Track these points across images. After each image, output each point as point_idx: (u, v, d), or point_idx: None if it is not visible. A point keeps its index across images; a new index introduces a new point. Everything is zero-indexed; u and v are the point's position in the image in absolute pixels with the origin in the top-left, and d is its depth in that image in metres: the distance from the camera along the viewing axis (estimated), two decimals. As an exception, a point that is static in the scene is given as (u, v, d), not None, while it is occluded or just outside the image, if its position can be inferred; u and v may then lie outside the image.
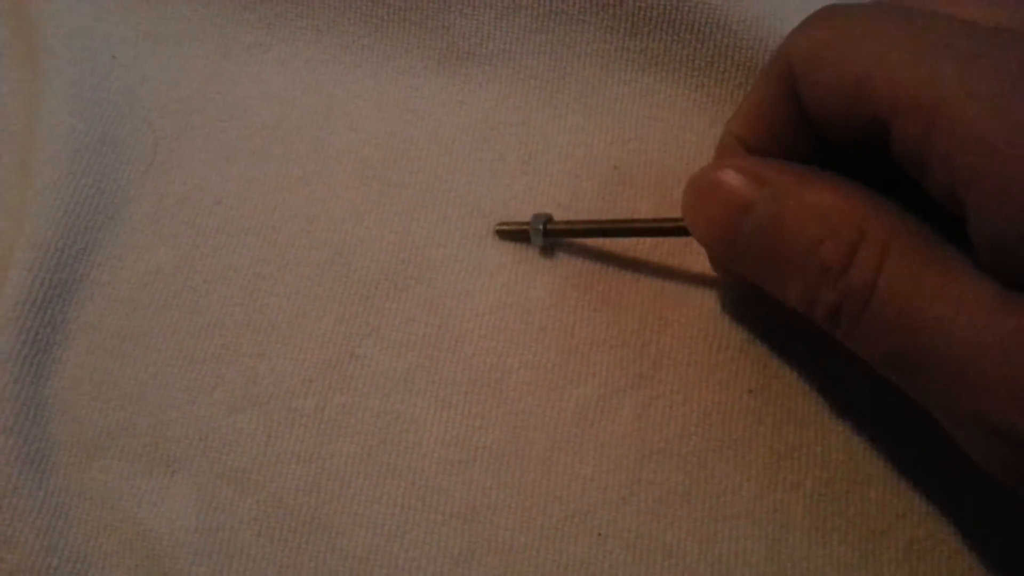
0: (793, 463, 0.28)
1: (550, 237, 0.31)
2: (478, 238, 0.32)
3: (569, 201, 0.32)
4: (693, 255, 0.31)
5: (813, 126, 0.25)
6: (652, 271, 0.31)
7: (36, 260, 0.30)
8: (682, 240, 0.31)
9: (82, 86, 0.34)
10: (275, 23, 0.35)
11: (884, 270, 0.22)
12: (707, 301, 0.30)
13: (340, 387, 0.30)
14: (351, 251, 0.32)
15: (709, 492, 0.28)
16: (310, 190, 0.33)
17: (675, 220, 0.28)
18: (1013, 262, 0.20)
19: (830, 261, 0.23)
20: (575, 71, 0.34)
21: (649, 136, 0.33)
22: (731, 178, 0.25)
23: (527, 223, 0.31)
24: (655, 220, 0.30)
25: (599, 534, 0.28)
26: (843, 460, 0.28)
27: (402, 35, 0.35)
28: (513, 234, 0.31)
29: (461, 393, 0.29)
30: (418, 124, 0.34)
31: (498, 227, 0.32)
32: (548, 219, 0.31)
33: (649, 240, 0.31)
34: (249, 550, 0.28)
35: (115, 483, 0.29)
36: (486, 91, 0.34)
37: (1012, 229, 0.20)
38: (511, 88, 0.34)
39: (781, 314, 0.27)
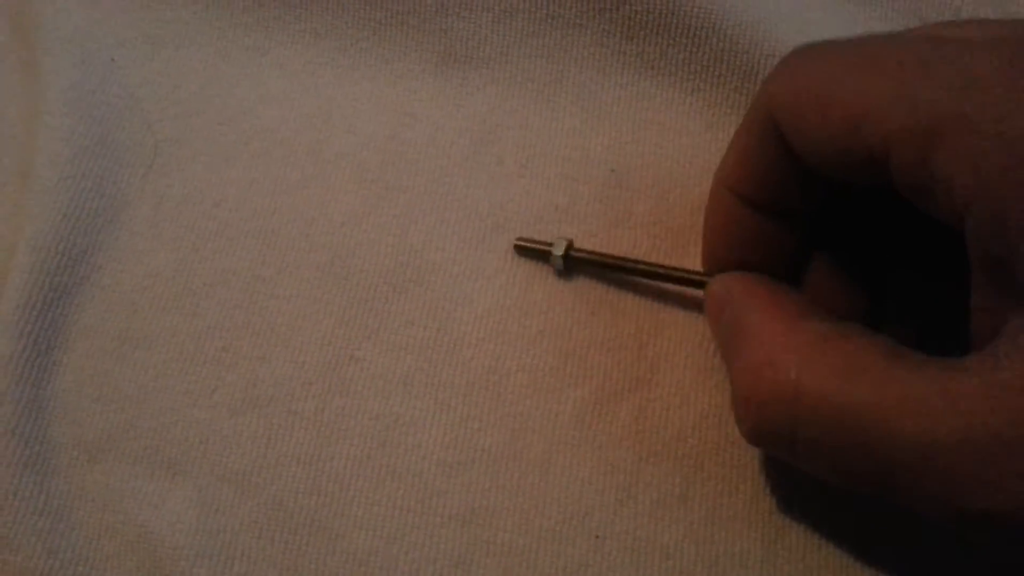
0: (790, 466, 0.28)
1: (569, 262, 0.31)
2: (476, 241, 0.32)
3: (567, 204, 0.32)
4: (690, 259, 0.31)
5: (803, 169, 0.24)
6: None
7: (36, 263, 0.30)
8: (679, 244, 0.31)
9: (81, 89, 0.34)
10: (274, 26, 0.36)
11: (800, 417, 0.22)
12: (703, 306, 0.30)
13: (340, 390, 0.30)
14: (350, 254, 0.32)
15: (706, 494, 0.28)
16: (309, 193, 0.33)
17: (699, 273, 0.29)
18: (1006, 281, 0.20)
19: (744, 394, 0.24)
20: (572, 75, 0.34)
21: (646, 139, 0.33)
22: (712, 287, 0.27)
23: (549, 243, 0.31)
24: (678, 269, 0.30)
25: (597, 536, 0.28)
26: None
27: (400, 38, 0.35)
28: (532, 252, 0.31)
29: (460, 396, 0.30)
30: (416, 127, 0.34)
31: (517, 242, 0.31)
32: (570, 244, 0.31)
33: (647, 243, 0.31)
34: (249, 552, 0.28)
35: (116, 485, 0.29)
36: (484, 94, 0.34)
37: (1005, 250, 0.19)
38: (509, 91, 0.34)
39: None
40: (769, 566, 0.27)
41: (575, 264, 0.31)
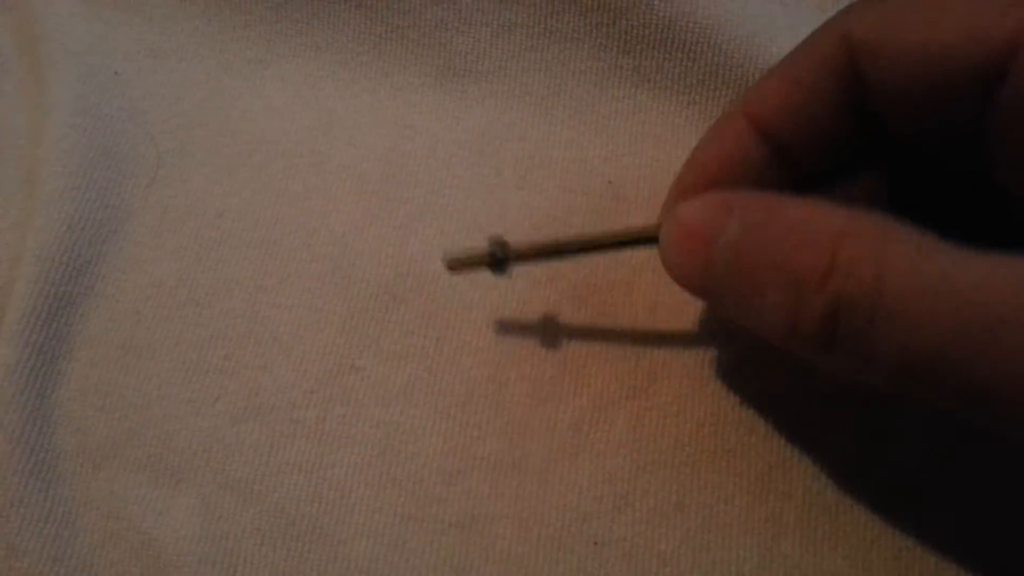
0: (785, 473, 0.29)
1: (509, 262, 0.29)
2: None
3: (564, 215, 0.33)
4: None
5: (856, 110, 0.23)
6: (647, 285, 0.31)
7: (41, 273, 0.31)
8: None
9: (85, 101, 0.34)
10: (275, 40, 0.36)
11: (889, 263, 0.20)
12: (701, 315, 0.31)
13: (341, 398, 0.30)
14: (351, 264, 0.32)
15: (703, 501, 0.29)
16: (310, 204, 0.33)
17: (650, 228, 0.27)
18: None
19: (812, 267, 0.21)
20: (570, 88, 0.35)
21: (642, 152, 0.34)
22: (694, 212, 0.24)
23: (481, 249, 0.29)
24: (625, 232, 0.28)
25: (595, 543, 0.28)
26: (834, 471, 0.29)
27: (400, 52, 0.36)
28: (466, 263, 0.29)
29: (459, 404, 0.30)
30: (416, 139, 0.34)
31: (449, 260, 0.29)
32: (503, 245, 0.29)
33: (644, 254, 0.32)
34: (252, 559, 0.28)
35: (120, 493, 0.29)
36: (483, 107, 0.35)
37: None
38: (507, 104, 0.35)
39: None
40: (765, 572, 0.28)
41: (518, 263, 0.29)
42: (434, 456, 0.29)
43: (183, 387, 0.30)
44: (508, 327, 0.31)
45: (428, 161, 0.34)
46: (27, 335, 0.30)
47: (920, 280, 0.20)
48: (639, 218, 0.33)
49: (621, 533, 0.28)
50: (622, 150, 0.34)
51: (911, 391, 0.21)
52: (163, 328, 0.31)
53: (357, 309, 0.31)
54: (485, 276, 0.32)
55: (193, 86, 0.36)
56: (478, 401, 0.30)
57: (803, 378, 0.30)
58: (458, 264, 0.29)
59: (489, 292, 0.32)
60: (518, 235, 0.32)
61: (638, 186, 0.33)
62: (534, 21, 0.35)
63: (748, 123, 0.25)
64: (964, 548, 0.28)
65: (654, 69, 0.34)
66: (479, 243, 0.29)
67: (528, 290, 0.32)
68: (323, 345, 0.31)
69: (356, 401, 0.30)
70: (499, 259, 0.28)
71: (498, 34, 0.35)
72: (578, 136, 0.34)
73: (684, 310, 0.31)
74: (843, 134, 0.25)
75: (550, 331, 0.31)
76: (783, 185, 0.26)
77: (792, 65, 0.25)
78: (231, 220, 0.33)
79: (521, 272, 0.32)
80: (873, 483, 0.28)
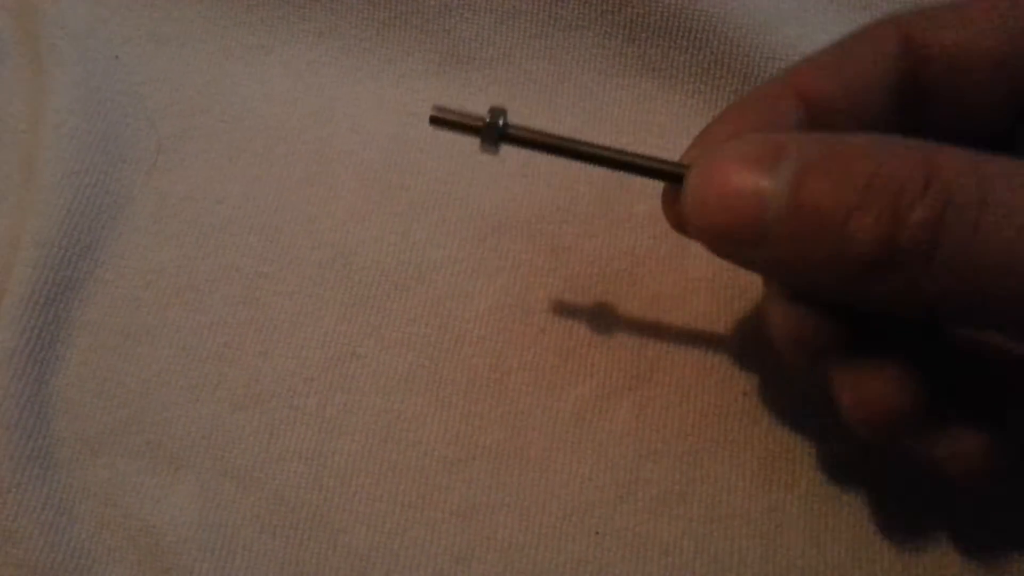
0: (788, 464, 0.29)
1: (505, 142, 0.26)
2: (478, 240, 0.32)
3: (568, 203, 0.33)
4: (691, 259, 0.31)
5: (918, 105, 0.24)
6: (649, 275, 0.31)
7: (40, 258, 0.31)
8: (681, 244, 0.31)
9: (85, 86, 0.34)
10: (277, 26, 0.36)
11: (988, 169, 0.20)
12: (703, 304, 0.31)
13: (341, 386, 0.30)
14: (352, 251, 0.32)
15: (705, 492, 0.28)
16: (312, 191, 0.33)
17: (658, 162, 0.25)
18: None
19: (910, 176, 0.20)
20: (574, 76, 0.35)
21: (647, 141, 0.34)
22: (739, 150, 0.22)
23: (480, 117, 0.26)
24: (647, 157, 0.25)
25: (597, 533, 0.28)
26: (837, 462, 0.28)
27: (403, 39, 0.35)
28: (453, 125, 0.26)
29: (461, 393, 0.30)
30: (419, 127, 0.34)
31: (434, 112, 0.26)
32: (502, 114, 0.26)
33: (647, 243, 0.32)
34: (251, 546, 0.28)
35: (118, 480, 0.29)
36: (486, 95, 0.35)
37: None
38: (511, 92, 0.35)
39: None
40: (768, 563, 0.27)
41: (513, 144, 0.26)
42: (435, 445, 0.29)
43: (182, 374, 0.30)
44: (510, 316, 0.31)
45: (431, 148, 0.34)
46: (25, 320, 0.30)
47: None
48: (643, 207, 0.32)
49: (623, 523, 0.28)
50: (626, 139, 0.34)
51: (1004, 307, 0.20)
52: (162, 314, 0.31)
53: (358, 296, 0.31)
54: (488, 265, 0.32)
55: (194, 71, 0.35)
56: (480, 390, 0.30)
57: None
58: (444, 119, 0.26)
59: (491, 280, 0.31)
60: (520, 225, 0.32)
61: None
62: (538, 8, 0.34)
63: (793, 91, 0.24)
64: (967, 541, 0.28)
65: (659, 57, 0.34)
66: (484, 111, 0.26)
67: (530, 279, 0.31)
68: (324, 332, 0.31)
69: (357, 389, 0.30)
70: (492, 129, 0.25)
71: (502, 21, 0.35)
72: (582, 125, 0.34)
73: (687, 300, 0.31)
74: (889, 118, 0.24)
75: (552, 320, 0.31)
76: None
77: (844, 46, 0.25)
78: (232, 206, 0.33)
79: (523, 260, 0.32)
80: (877, 474, 0.28)
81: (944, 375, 0.24)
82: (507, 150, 0.34)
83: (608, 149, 0.26)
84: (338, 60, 0.35)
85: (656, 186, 0.33)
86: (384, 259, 0.32)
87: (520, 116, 0.34)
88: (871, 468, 0.28)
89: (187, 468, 0.29)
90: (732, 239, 0.22)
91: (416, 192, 0.33)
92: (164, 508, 0.28)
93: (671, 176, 0.25)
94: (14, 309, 0.30)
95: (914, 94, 0.24)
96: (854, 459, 0.28)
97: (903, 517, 0.28)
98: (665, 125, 0.34)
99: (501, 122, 0.25)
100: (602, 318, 0.31)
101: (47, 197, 0.32)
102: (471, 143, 0.34)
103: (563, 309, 0.31)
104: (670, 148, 0.33)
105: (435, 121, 0.26)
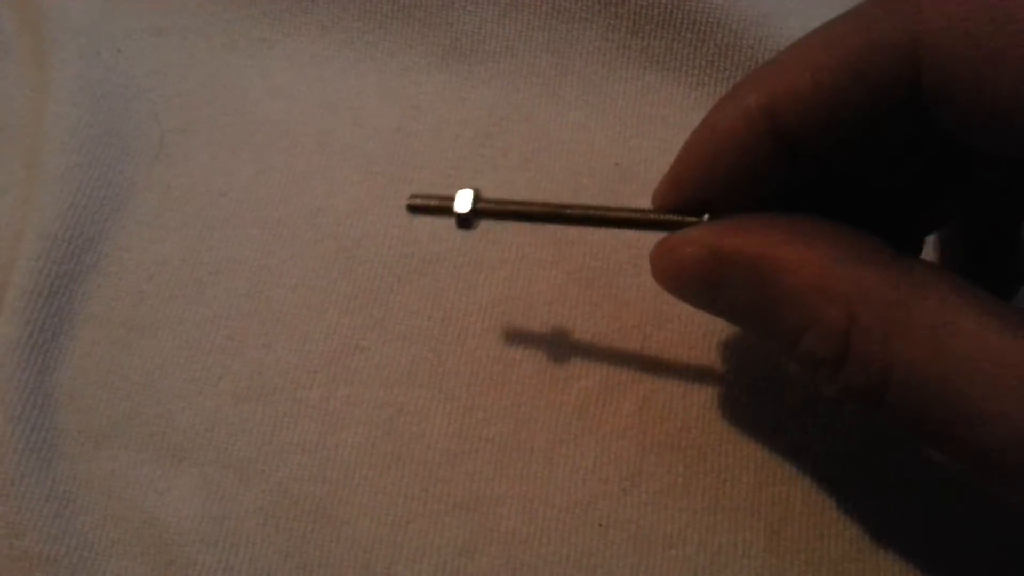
0: (792, 457, 0.28)
1: (479, 217, 0.26)
2: (480, 233, 0.32)
3: (571, 197, 0.33)
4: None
5: (909, 116, 0.20)
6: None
7: (43, 250, 0.31)
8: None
9: (88, 79, 0.34)
10: (280, 18, 0.36)
11: (893, 349, 0.19)
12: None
13: (345, 378, 0.30)
14: (356, 244, 0.32)
15: (709, 484, 0.28)
16: (315, 184, 0.33)
17: (650, 212, 0.25)
18: None
19: (821, 354, 0.21)
20: (577, 68, 0.35)
21: (650, 133, 0.34)
22: (684, 257, 0.23)
23: (448, 197, 0.26)
24: (620, 209, 0.26)
25: (600, 525, 0.28)
26: (841, 455, 0.28)
27: (406, 31, 0.35)
28: (429, 209, 0.27)
29: (464, 385, 0.30)
30: (421, 120, 0.34)
31: (410, 201, 0.27)
32: (477, 195, 0.26)
33: (652, 236, 0.31)
34: (255, 538, 0.28)
35: (122, 472, 0.29)
36: (489, 87, 0.35)
37: None
38: (514, 85, 0.35)
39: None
40: (771, 556, 0.27)
41: (485, 218, 0.27)
42: (439, 437, 0.29)
43: (186, 366, 0.30)
44: (513, 309, 0.31)
45: (434, 141, 0.34)
46: (29, 313, 0.30)
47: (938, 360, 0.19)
48: (647, 199, 0.32)
49: (626, 515, 0.28)
50: (630, 132, 0.34)
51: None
52: (166, 307, 0.31)
53: (361, 289, 0.31)
54: (491, 257, 0.31)
55: (197, 65, 0.35)
56: (483, 382, 0.30)
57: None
58: (420, 207, 0.27)
59: (494, 273, 0.31)
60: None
61: (645, 168, 0.33)
62: (541, 1, 0.34)
63: (759, 107, 0.22)
64: (975, 537, 0.28)
65: (663, 50, 0.34)
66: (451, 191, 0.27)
67: (534, 271, 0.31)
68: (327, 325, 0.31)
69: (360, 381, 0.30)
70: (465, 212, 0.26)
71: (505, 13, 0.35)
72: (585, 117, 0.34)
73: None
74: (866, 136, 0.22)
75: (555, 313, 0.31)
76: (786, 177, 0.23)
77: (815, 50, 0.22)
78: (235, 199, 0.33)
79: (526, 253, 0.32)
80: (881, 468, 0.28)
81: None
82: (512, 147, 0.34)
83: (585, 207, 0.26)
84: (341, 53, 0.35)
85: (661, 176, 0.33)
86: (387, 252, 0.32)
87: (523, 109, 0.34)
88: (875, 461, 0.28)
89: (190, 460, 0.29)
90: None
91: (419, 185, 0.33)
92: (167, 500, 0.28)
93: (650, 225, 0.26)
94: (17, 302, 0.30)
95: (915, 100, 0.21)
96: (858, 452, 0.28)
97: (907, 510, 0.28)
98: (669, 118, 0.34)
99: (469, 208, 0.26)
100: (605, 311, 0.31)
101: (50, 190, 0.32)
102: (473, 137, 0.34)
103: (566, 302, 0.31)
104: (673, 141, 0.33)
105: (412, 209, 0.27)
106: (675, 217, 0.25)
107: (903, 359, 0.19)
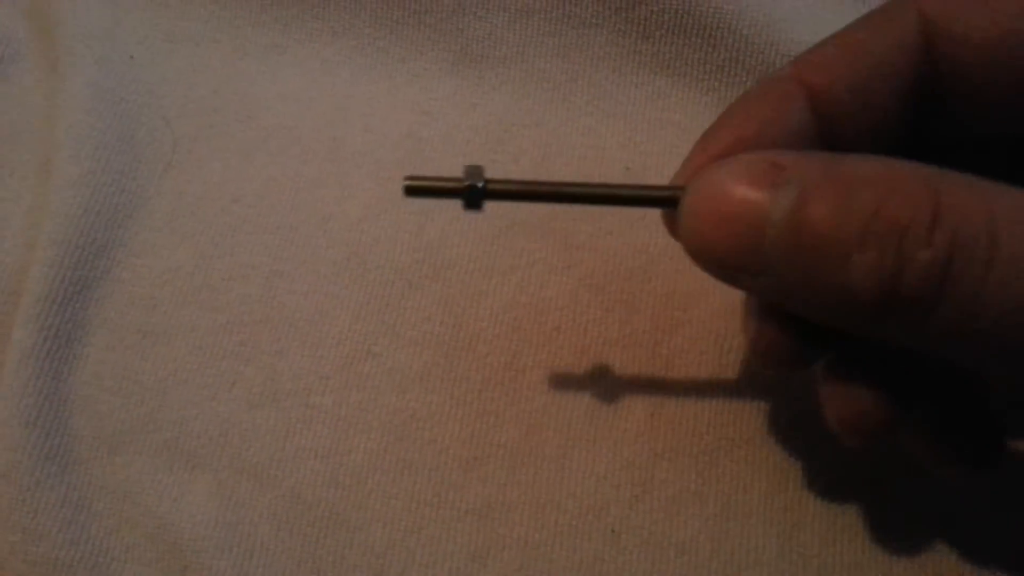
0: (804, 463, 0.28)
1: (486, 197, 0.24)
2: (492, 238, 0.32)
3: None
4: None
5: (933, 97, 0.22)
6: (664, 273, 0.31)
7: (57, 257, 0.31)
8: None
9: (101, 86, 0.34)
10: (291, 25, 0.36)
11: (996, 205, 0.18)
12: (718, 302, 0.31)
13: (357, 384, 0.30)
14: (367, 250, 0.32)
15: (721, 490, 0.28)
16: (326, 190, 0.33)
17: (646, 190, 0.24)
18: None
19: (913, 216, 0.19)
20: (588, 74, 0.35)
21: (661, 139, 0.34)
22: (733, 174, 0.21)
23: (456, 179, 0.24)
24: (636, 186, 0.24)
25: (612, 531, 0.28)
26: (854, 461, 0.28)
27: (417, 37, 0.35)
28: (432, 191, 0.25)
29: (476, 391, 0.30)
30: (432, 125, 0.34)
31: (408, 182, 0.24)
32: (479, 175, 0.24)
33: (662, 241, 0.32)
34: (268, 544, 0.28)
35: (136, 478, 0.29)
36: (499, 93, 0.35)
37: None
38: (524, 91, 0.35)
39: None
40: (784, 562, 0.27)
41: (493, 199, 0.25)
42: (451, 443, 0.29)
43: (199, 372, 0.30)
44: (525, 314, 0.31)
45: (445, 147, 0.34)
46: (43, 319, 0.30)
47: None
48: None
49: (638, 522, 0.28)
50: (640, 137, 0.34)
51: (1013, 349, 0.19)
52: (179, 313, 0.31)
53: (373, 295, 0.31)
54: (502, 263, 0.32)
55: (209, 71, 0.36)
56: (495, 388, 0.30)
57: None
58: (420, 188, 0.24)
59: (505, 279, 0.31)
60: (534, 223, 0.32)
61: (656, 173, 0.33)
62: (552, 6, 0.34)
63: (800, 87, 0.23)
64: (988, 544, 0.27)
65: (674, 55, 0.34)
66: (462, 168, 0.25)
67: (545, 277, 0.31)
68: (339, 331, 0.31)
69: (372, 387, 0.30)
70: (472, 191, 0.24)
71: (515, 19, 0.35)
72: (596, 123, 0.34)
73: (702, 297, 0.31)
74: (903, 116, 0.23)
75: (567, 319, 0.31)
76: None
77: (858, 33, 0.23)
78: (247, 206, 0.33)
79: (538, 259, 0.32)
80: (896, 476, 0.28)
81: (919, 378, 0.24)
82: (523, 152, 0.34)
83: (596, 186, 0.24)
84: (352, 59, 0.36)
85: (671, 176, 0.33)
86: (399, 258, 0.32)
87: (533, 115, 0.34)
88: (888, 468, 0.28)
89: (204, 466, 0.29)
90: (729, 264, 0.22)
91: (430, 191, 0.33)
92: (181, 506, 0.29)
93: (666, 202, 0.24)
94: (31, 308, 0.30)
95: (932, 90, 0.23)
96: (871, 458, 0.28)
97: (920, 517, 0.28)
98: (680, 123, 0.34)
99: (480, 183, 0.24)
100: (616, 316, 0.31)
101: (63, 197, 0.32)
102: (484, 142, 0.34)
103: (578, 307, 0.31)
104: (684, 146, 0.33)
105: (410, 191, 0.24)
106: (672, 191, 0.23)
107: (1002, 208, 0.19)
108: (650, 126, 0.34)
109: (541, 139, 0.34)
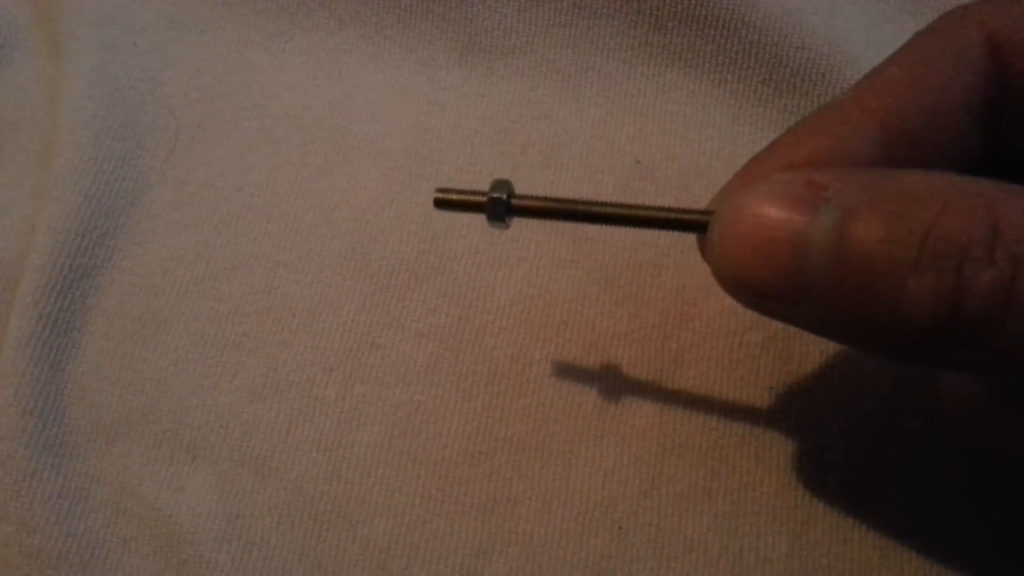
0: (814, 460, 0.28)
1: (513, 214, 0.25)
2: (498, 231, 0.32)
3: (590, 194, 0.32)
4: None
5: (1004, 116, 0.21)
6: (674, 267, 0.31)
7: (57, 245, 0.30)
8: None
9: (103, 72, 0.34)
10: (297, 12, 0.36)
11: None
12: (728, 297, 0.30)
13: (361, 376, 0.29)
14: (372, 241, 0.31)
15: (730, 487, 0.28)
16: (332, 179, 0.33)
17: (674, 212, 0.23)
18: None
19: (971, 236, 0.18)
20: (598, 65, 0.34)
21: (671, 131, 0.33)
22: (770, 195, 0.20)
23: (483, 192, 0.25)
24: (667, 209, 0.23)
25: (620, 527, 0.28)
26: (866, 458, 0.28)
27: (424, 26, 0.35)
28: (459, 205, 0.25)
29: (482, 384, 0.29)
30: (440, 116, 0.34)
31: (438, 195, 0.25)
32: (507, 191, 0.24)
33: (672, 236, 0.31)
34: (269, 537, 0.28)
35: (135, 468, 0.28)
36: (508, 84, 0.34)
37: None
38: (533, 81, 0.34)
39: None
40: (794, 560, 0.27)
41: (520, 215, 0.25)
42: (456, 437, 0.29)
43: (200, 362, 0.30)
44: (532, 307, 0.30)
45: (452, 138, 0.33)
46: (42, 307, 0.30)
47: None
48: (668, 199, 0.32)
49: (646, 518, 0.28)
50: (650, 129, 0.33)
51: None
52: (180, 302, 0.31)
53: (378, 286, 0.31)
54: (509, 255, 0.31)
55: (213, 58, 0.35)
56: (501, 382, 0.29)
57: (833, 363, 0.29)
58: (449, 200, 0.25)
59: (513, 272, 0.31)
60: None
61: (666, 166, 0.33)
62: (562, -4, 0.34)
63: (863, 112, 0.21)
64: (997, 542, 0.27)
65: (685, 47, 0.33)
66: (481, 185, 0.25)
67: (553, 270, 0.31)
68: (343, 322, 0.30)
69: (377, 379, 0.29)
70: (498, 207, 0.24)
71: (525, 9, 0.34)
72: (605, 115, 0.34)
73: (712, 292, 0.30)
74: (972, 137, 0.21)
75: (575, 312, 0.30)
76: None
77: (920, 53, 0.21)
78: (250, 194, 0.32)
79: (545, 252, 0.31)
80: (905, 472, 0.28)
81: None
82: (531, 144, 0.33)
83: (626, 206, 0.24)
84: (359, 48, 0.35)
85: (681, 174, 0.33)
86: (404, 249, 0.31)
87: (542, 106, 0.34)
88: (899, 465, 0.28)
89: (204, 457, 0.29)
90: (766, 294, 0.20)
91: (437, 181, 0.32)
92: (181, 498, 0.28)
93: (700, 226, 0.22)
94: (30, 295, 0.30)
95: (1000, 111, 0.21)
96: (882, 456, 0.28)
97: (931, 515, 0.27)
98: (690, 115, 0.33)
99: (506, 196, 0.24)
100: (625, 310, 0.30)
101: (65, 184, 0.31)
102: (492, 134, 0.33)
103: (586, 301, 0.30)
104: (694, 139, 0.33)
105: (440, 204, 0.25)
106: (705, 215, 0.22)
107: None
108: (661, 119, 0.33)
109: (550, 130, 0.33)
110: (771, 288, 0.20)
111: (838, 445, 0.28)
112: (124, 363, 0.30)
